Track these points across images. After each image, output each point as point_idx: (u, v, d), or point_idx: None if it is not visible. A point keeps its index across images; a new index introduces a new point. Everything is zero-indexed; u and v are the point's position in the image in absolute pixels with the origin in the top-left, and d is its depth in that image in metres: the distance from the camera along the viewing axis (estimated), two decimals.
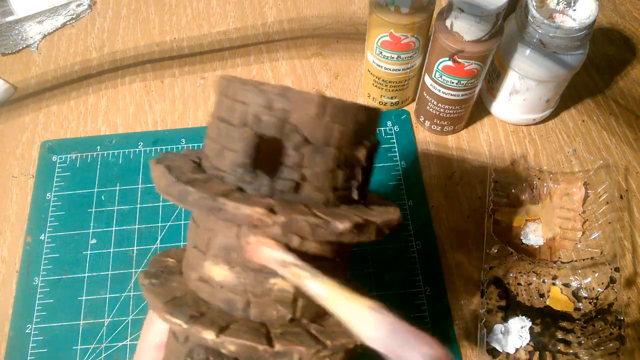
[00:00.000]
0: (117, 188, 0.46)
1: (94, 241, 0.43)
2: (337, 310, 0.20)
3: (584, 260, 0.41)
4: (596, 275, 0.40)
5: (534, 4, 0.40)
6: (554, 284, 0.41)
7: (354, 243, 0.23)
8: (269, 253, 0.21)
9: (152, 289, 0.23)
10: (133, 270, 0.42)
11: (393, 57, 0.43)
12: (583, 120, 0.50)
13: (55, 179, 0.46)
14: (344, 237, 0.21)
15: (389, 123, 0.49)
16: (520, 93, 0.45)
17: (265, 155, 0.22)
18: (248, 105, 0.21)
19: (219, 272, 0.23)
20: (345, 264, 0.25)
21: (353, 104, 0.22)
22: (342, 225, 0.21)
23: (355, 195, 0.24)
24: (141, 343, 0.27)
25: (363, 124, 0.23)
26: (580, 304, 0.40)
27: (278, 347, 0.20)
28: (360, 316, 0.19)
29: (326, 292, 0.20)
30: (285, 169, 0.22)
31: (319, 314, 0.23)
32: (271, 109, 0.21)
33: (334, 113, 0.21)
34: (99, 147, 0.48)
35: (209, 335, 0.20)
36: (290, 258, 0.21)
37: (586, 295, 0.40)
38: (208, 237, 0.23)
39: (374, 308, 0.19)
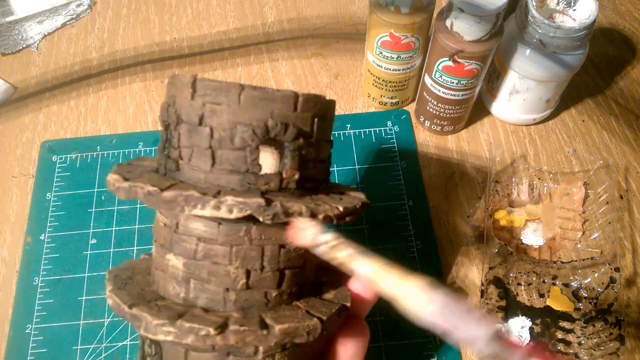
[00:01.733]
0: None
1: (94, 241, 0.43)
2: (386, 288, 0.21)
3: (584, 260, 0.41)
4: (596, 275, 0.40)
5: (534, 4, 0.40)
6: (554, 284, 0.41)
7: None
8: (312, 234, 0.22)
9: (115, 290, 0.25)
10: None
11: (393, 57, 0.43)
12: (583, 120, 0.50)
13: (55, 179, 0.46)
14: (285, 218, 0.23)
15: (389, 123, 0.49)
16: (520, 93, 0.45)
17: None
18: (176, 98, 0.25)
19: (173, 261, 0.24)
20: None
21: (229, 83, 0.23)
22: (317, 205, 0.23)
23: (324, 182, 0.27)
24: None
25: (249, 103, 0.23)
26: (580, 304, 0.40)
27: (188, 324, 0.21)
28: (413, 293, 0.20)
29: (374, 271, 0.21)
30: (171, 149, 0.24)
31: (279, 299, 0.24)
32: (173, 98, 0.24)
33: (204, 93, 0.23)
34: (99, 147, 0.48)
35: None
36: (329, 236, 0.22)
37: (586, 295, 0.40)
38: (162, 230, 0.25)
39: (425, 284, 0.20)
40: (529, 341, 0.38)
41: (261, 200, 0.22)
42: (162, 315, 0.21)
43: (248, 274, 0.23)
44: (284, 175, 0.23)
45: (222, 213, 0.21)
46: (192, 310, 0.22)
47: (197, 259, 0.23)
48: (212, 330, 0.20)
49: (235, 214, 0.21)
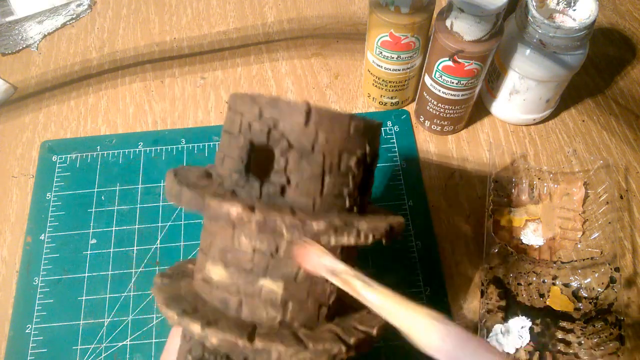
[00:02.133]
0: (117, 188, 0.46)
1: (94, 241, 0.43)
2: (393, 319, 0.20)
3: (584, 260, 0.41)
4: (596, 275, 0.40)
5: (534, 4, 0.40)
6: (554, 284, 0.41)
7: (349, 247, 0.23)
8: (319, 260, 0.22)
9: (161, 287, 0.25)
10: (133, 270, 0.42)
11: (393, 57, 0.43)
12: (583, 120, 0.50)
13: (55, 179, 0.46)
14: (319, 238, 0.22)
15: (389, 123, 0.49)
16: (520, 93, 0.45)
17: (258, 161, 0.23)
18: (244, 115, 0.23)
19: (217, 272, 0.24)
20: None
21: (341, 113, 0.23)
22: (317, 226, 0.21)
23: (347, 203, 0.24)
24: (164, 355, 0.28)
25: (355, 133, 0.23)
26: (580, 304, 0.40)
27: (258, 344, 0.21)
28: (423, 327, 0.19)
29: (381, 300, 0.20)
30: (274, 173, 0.23)
31: (313, 320, 0.24)
32: (261, 117, 0.23)
33: (319, 121, 0.22)
34: (99, 147, 0.48)
35: (195, 328, 0.21)
36: (340, 266, 0.21)
37: (586, 295, 0.40)
38: (210, 240, 0.24)
39: (438, 318, 0.19)
40: (529, 341, 0.38)
41: (384, 225, 0.23)
42: (289, 342, 0.22)
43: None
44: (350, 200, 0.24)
45: (362, 240, 0.22)
46: (299, 331, 0.23)
47: (298, 282, 0.23)
48: (343, 348, 0.22)
49: (370, 239, 0.23)
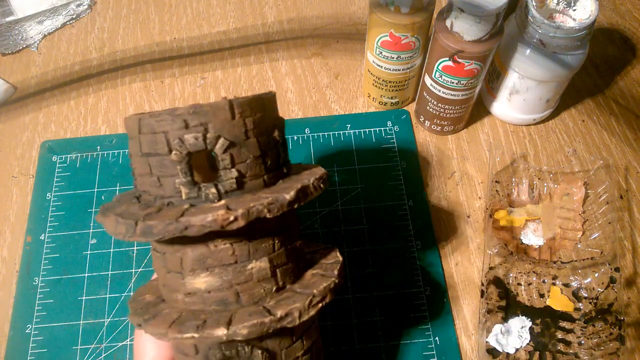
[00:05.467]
0: (117, 188, 0.46)
1: (94, 241, 0.43)
2: None
3: (584, 260, 0.41)
4: (596, 275, 0.40)
5: (534, 4, 0.40)
6: (554, 284, 0.41)
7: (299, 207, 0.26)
8: None
9: (150, 322, 0.25)
10: (133, 270, 0.42)
11: (393, 57, 0.43)
12: (583, 120, 0.50)
13: (55, 179, 0.46)
14: (293, 204, 0.24)
15: (389, 123, 0.49)
16: (520, 93, 0.45)
17: (201, 168, 0.25)
18: (168, 132, 0.24)
19: (202, 281, 0.25)
20: (296, 230, 0.28)
21: (252, 96, 0.25)
22: (289, 195, 0.24)
23: (285, 169, 0.27)
24: None
25: (266, 109, 0.26)
26: (580, 304, 0.40)
27: (280, 312, 0.24)
28: None
29: None
30: (223, 171, 0.24)
31: (297, 274, 0.27)
32: (189, 127, 0.23)
33: (242, 110, 0.24)
34: (99, 147, 0.48)
35: (221, 332, 0.23)
36: None
37: (586, 295, 0.40)
38: (179, 258, 0.25)
39: None
40: (529, 341, 0.38)
41: (321, 172, 0.28)
42: (297, 299, 0.25)
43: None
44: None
45: (319, 191, 0.27)
46: (294, 288, 0.27)
47: (277, 251, 0.26)
48: (335, 279, 0.27)
49: (322, 188, 0.27)
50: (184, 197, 0.24)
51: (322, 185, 0.26)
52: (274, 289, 0.26)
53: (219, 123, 0.24)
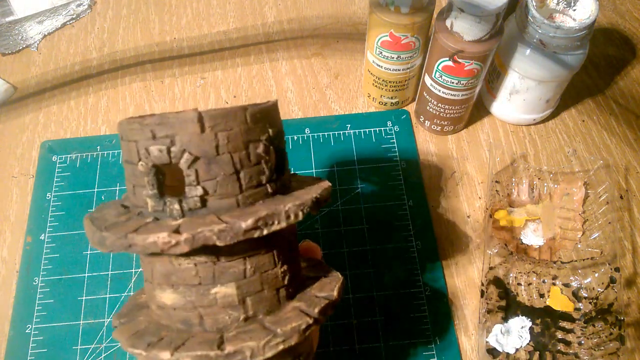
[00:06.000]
0: (117, 188, 0.46)
1: None
2: None
3: (584, 260, 0.41)
4: (596, 275, 0.40)
5: (534, 4, 0.40)
6: (554, 284, 0.41)
7: (277, 231, 0.23)
8: None
9: (120, 328, 0.25)
10: (133, 270, 0.42)
11: (393, 57, 0.43)
12: (583, 120, 0.50)
13: (55, 179, 0.46)
14: (251, 234, 0.22)
15: (389, 123, 0.49)
16: (520, 93, 0.45)
17: (170, 181, 0.23)
18: (138, 142, 0.23)
19: (167, 297, 0.24)
20: (284, 252, 0.26)
21: (231, 108, 0.23)
22: (245, 224, 0.22)
23: (269, 188, 0.24)
24: None
25: (253, 121, 0.24)
26: (580, 304, 0.40)
27: (229, 348, 0.22)
28: None
29: None
30: (188, 187, 0.23)
31: (275, 305, 0.25)
32: (155, 138, 0.22)
33: (214, 123, 0.22)
34: (99, 147, 0.48)
35: (165, 356, 0.21)
36: None
37: (586, 295, 0.40)
38: (150, 269, 0.24)
39: None
40: (529, 341, 0.38)
41: (309, 197, 0.24)
42: (258, 335, 0.22)
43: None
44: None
45: (292, 219, 0.23)
46: (265, 321, 0.24)
47: (248, 277, 0.24)
48: (309, 320, 0.24)
49: (300, 216, 0.24)
50: (149, 209, 0.23)
51: (300, 213, 0.24)
52: (242, 317, 0.24)
53: (186, 136, 0.22)
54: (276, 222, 0.23)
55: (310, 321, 0.23)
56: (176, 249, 0.21)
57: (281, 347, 0.22)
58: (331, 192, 0.26)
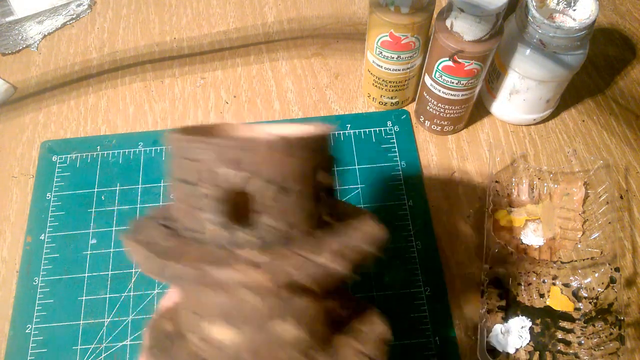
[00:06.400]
0: (117, 188, 0.46)
1: (94, 241, 0.43)
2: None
3: (584, 260, 0.41)
4: (596, 275, 0.40)
5: (534, 4, 0.40)
6: (554, 284, 0.41)
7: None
8: None
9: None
10: (133, 270, 0.42)
11: (393, 57, 0.43)
12: (583, 120, 0.50)
13: (55, 179, 0.46)
14: (332, 270, 0.21)
15: (389, 123, 0.49)
16: (520, 93, 0.45)
17: (236, 207, 0.21)
18: (201, 161, 0.21)
19: (219, 332, 0.22)
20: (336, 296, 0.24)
21: (309, 136, 0.22)
22: (321, 259, 0.20)
23: (327, 218, 0.23)
24: None
25: (315, 147, 0.22)
26: (580, 304, 0.40)
27: None
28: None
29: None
30: (257, 214, 0.21)
31: (326, 340, 0.23)
32: (226, 161, 0.20)
33: (284, 149, 0.21)
34: (99, 147, 0.48)
35: None
36: None
37: (586, 295, 0.40)
38: (199, 300, 0.22)
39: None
40: (529, 341, 0.38)
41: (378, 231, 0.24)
42: None
43: None
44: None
45: (361, 257, 0.23)
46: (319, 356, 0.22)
47: (308, 313, 0.23)
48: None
49: (368, 252, 0.23)
50: (214, 236, 0.21)
51: (374, 251, 0.22)
52: (300, 356, 0.22)
53: (259, 159, 0.20)
54: (352, 260, 0.21)
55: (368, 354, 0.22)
56: (260, 286, 0.20)
57: None
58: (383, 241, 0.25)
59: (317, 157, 0.23)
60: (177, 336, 0.24)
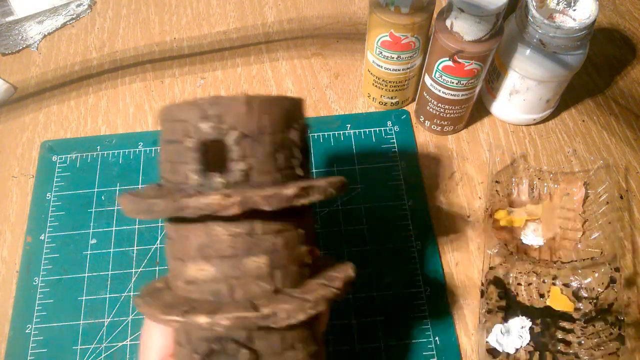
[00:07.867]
0: (117, 188, 0.46)
1: (94, 241, 0.43)
2: None
3: (584, 260, 0.41)
4: (596, 275, 0.40)
5: (534, 4, 0.40)
6: (554, 284, 0.41)
7: (308, 206, 0.26)
8: None
9: (147, 302, 0.26)
10: (133, 270, 0.42)
11: (393, 57, 0.43)
12: (583, 120, 0.50)
13: (55, 179, 0.46)
14: (296, 201, 0.24)
15: (389, 123, 0.49)
16: (520, 93, 0.45)
17: (213, 157, 0.25)
18: (187, 121, 0.24)
19: (200, 270, 0.25)
20: (308, 235, 0.28)
21: (275, 96, 0.26)
22: (289, 191, 0.24)
23: (299, 172, 0.27)
24: (142, 351, 0.28)
25: (289, 111, 0.26)
26: (580, 304, 0.40)
27: (265, 310, 0.23)
28: None
29: None
30: (232, 163, 0.24)
31: (298, 280, 0.26)
32: (207, 117, 0.24)
33: (260, 107, 0.25)
34: (99, 147, 0.48)
35: (202, 319, 0.23)
36: None
37: (586, 295, 0.40)
38: (183, 245, 0.25)
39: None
40: (529, 341, 0.38)
41: (337, 180, 0.27)
42: (289, 301, 0.24)
43: None
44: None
45: (327, 194, 0.26)
46: (293, 292, 0.25)
47: (279, 251, 0.25)
48: (334, 290, 0.26)
49: (333, 193, 0.26)
50: (194, 185, 0.25)
51: (333, 191, 0.26)
52: (271, 290, 0.25)
53: (235, 115, 0.24)
54: (316, 194, 0.25)
55: (335, 291, 0.25)
56: (229, 210, 0.23)
57: (312, 311, 0.24)
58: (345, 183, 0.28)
59: (290, 117, 0.26)
60: (162, 289, 0.28)
